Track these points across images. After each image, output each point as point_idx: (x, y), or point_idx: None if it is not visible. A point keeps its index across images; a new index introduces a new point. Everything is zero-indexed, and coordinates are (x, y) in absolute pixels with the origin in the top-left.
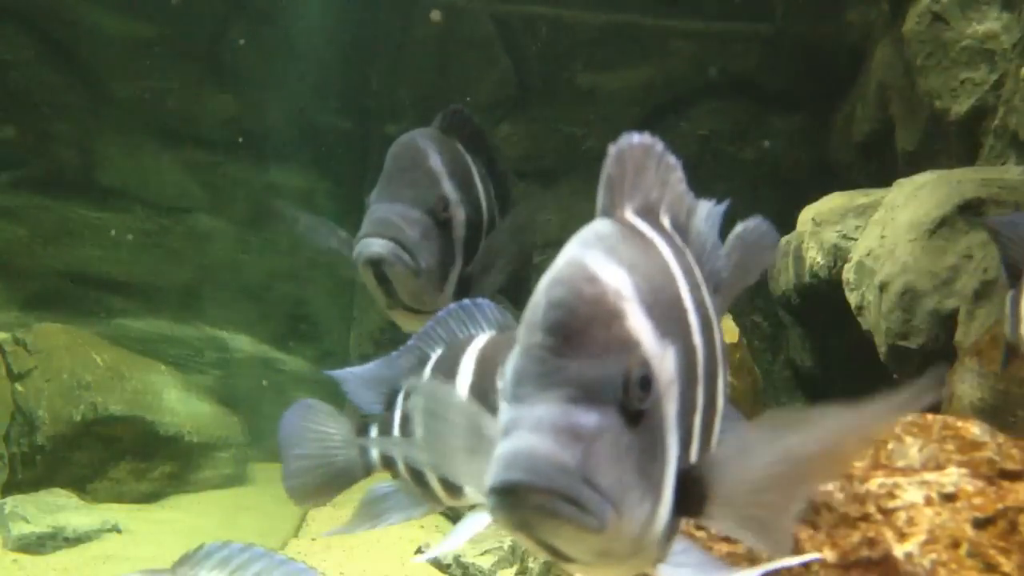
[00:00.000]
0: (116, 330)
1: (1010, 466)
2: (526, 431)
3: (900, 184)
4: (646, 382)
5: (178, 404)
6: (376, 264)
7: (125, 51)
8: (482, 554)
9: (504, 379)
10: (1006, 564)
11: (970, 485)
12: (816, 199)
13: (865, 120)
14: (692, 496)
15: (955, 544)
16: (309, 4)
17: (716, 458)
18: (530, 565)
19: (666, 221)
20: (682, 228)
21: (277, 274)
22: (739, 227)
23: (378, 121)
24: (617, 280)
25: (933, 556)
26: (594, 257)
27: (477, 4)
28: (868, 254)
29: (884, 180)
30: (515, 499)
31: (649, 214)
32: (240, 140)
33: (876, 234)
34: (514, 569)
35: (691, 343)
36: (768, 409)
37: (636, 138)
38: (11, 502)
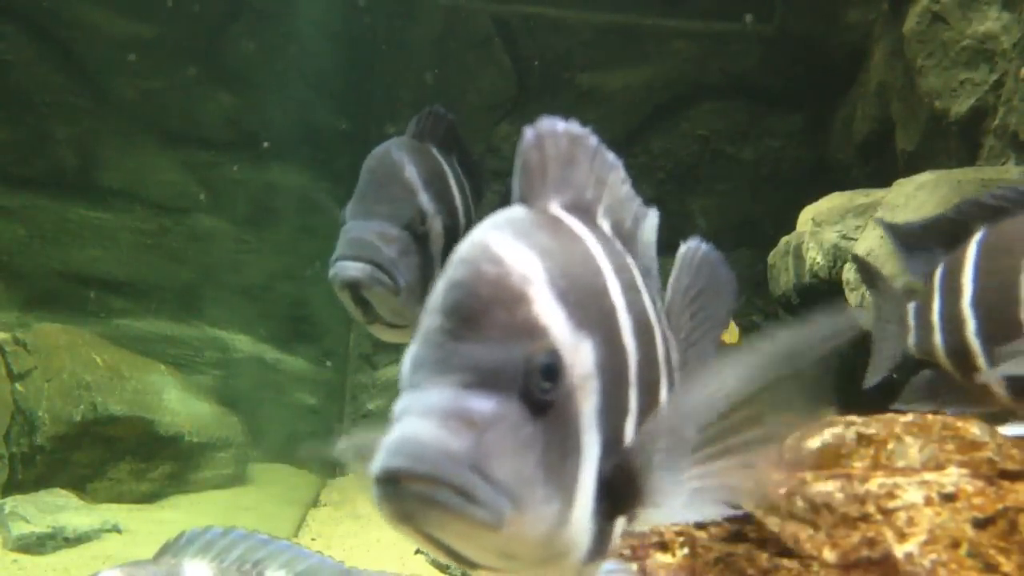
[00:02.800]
0: (116, 330)
1: (1010, 466)
2: (415, 417)
3: (900, 184)
4: (551, 371)
5: (178, 404)
6: (353, 287)
7: (125, 51)
8: None
9: (402, 367)
10: (1006, 564)
11: (970, 485)
12: (816, 199)
13: (865, 120)
14: (624, 493)
15: (955, 544)
16: (309, 4)
17: (638, 440)
18: None
19: (606, 225)
20: (628, 235)
21: (277, 274)
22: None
23: (378, 121)
24: (524, 263)
25: (933, 556)
26: (499, 238)
27: (477, 4)
28: (868, 254)
29: (884, 180)
30: (396, 488)
31: (583, 212)
32: (239, 140)
33: (876, 234)
34: None
35: (619, 342)
36: None
37: (560, 125)
38: (11, 502)
